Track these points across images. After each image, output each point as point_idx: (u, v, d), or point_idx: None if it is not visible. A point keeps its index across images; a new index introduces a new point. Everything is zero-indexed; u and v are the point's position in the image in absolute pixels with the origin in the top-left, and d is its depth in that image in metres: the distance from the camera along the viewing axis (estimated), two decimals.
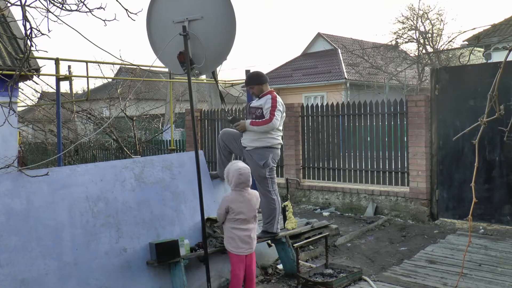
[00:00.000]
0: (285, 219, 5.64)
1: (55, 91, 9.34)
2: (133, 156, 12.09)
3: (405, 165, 7.97)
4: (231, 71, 69.42)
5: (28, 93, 49.54)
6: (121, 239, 4.34)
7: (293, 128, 9.27)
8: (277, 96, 5.10)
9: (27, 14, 3.23)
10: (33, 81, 9.89)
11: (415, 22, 22.26)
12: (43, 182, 4.09)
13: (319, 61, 25.62)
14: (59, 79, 8.97)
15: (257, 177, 5.05)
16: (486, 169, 7.01)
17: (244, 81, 6.43)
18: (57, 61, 8.77)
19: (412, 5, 30.64)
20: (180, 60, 4.55)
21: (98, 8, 3.46)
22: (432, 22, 22.01)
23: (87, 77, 9.85)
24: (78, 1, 3.44)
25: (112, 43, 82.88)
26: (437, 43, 22.24)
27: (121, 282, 4.23)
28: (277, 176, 9.02)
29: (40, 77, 12.52)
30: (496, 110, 2.24)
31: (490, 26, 13.90)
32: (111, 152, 15.09)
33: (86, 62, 9.70)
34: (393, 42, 22.87)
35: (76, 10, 3.43)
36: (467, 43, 16.94)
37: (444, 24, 32.35)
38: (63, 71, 14.34)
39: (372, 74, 23.98)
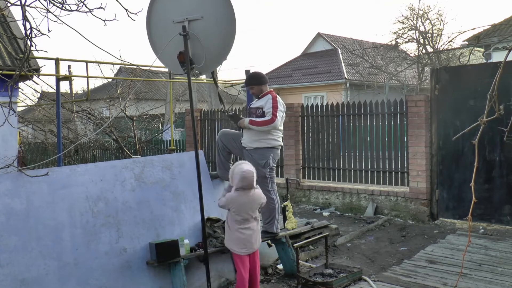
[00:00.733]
0: (285, 219, 5.64)
1: (55, 91, 9.33)
2: (133, 156, 12.09)
3: (405, 165, 7.97)
4: (231, 71, 69.45)
5: (28, 93, 49.61)
6: (121, 239, 4.34)
7: (293, 128, 9.27)
8: (277, 96, 5.11)
9: (27, 14, 3.23)
10: (33, 81, 9.89)
11: (415, 22, 22.26)
12: (43, 182, 4.09)
13: (319, 61, 25.62)
14: (59, 79, 8.96)
15: (257, 177, 5.05)
16: (486, 169, 7.01)
17: (244, 81, 6.43)
18: (57, 61, 8.77)
19: (412, 5, 30.68)
20: (180, 60, 4.55)
21: (98, 8, 3.46)
22: (432, 22, 22.03)
23: (87, 77, 9.84)
24: (78, 1, 3.44)
25: (112, 43, 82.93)
26: (437, 43, 22.25)
27: (121, 282, 4.23)
28: (277, 176, 9.03)
29: (40, 77, 12.51)
30: (496, 110, 2.24)
31: (490, 26, 13.90)
32: (111, 152, 15.09)
33: (86, 62, 9.69)
34: (393, 42, 22.88)
35: (76, 10, 3.43)
36: (467, 43, 16.94)
37: (444, 24, 32.37)
38: (63, 71, 14.35)
39: (372, 74, 23.98)
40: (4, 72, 6.32)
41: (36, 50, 3.50)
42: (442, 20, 25.64)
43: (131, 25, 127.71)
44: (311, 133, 9.29)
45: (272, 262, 5.48)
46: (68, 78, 9.78)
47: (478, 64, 9.21)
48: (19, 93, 10.28)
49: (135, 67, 11.43)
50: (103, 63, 13.31)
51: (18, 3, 3.30)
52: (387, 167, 8.26)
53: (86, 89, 12.02)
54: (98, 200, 4.33)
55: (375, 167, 8.43)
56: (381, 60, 23.57)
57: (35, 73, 8.31)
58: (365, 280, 4.95)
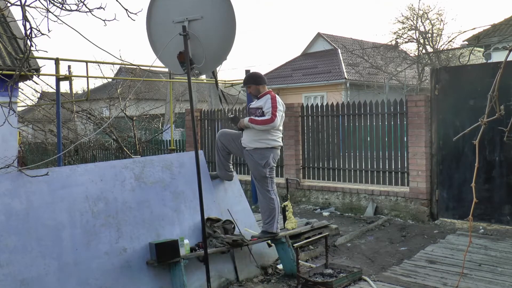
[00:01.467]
0: (285, 219, 5.64)
1: (55, 91, 9.34)
2: (133, 156, 12.09)
3: (405, 165, 7.97)
4: (231, 71, 69.49)
5: (28, 93, 49.48)
6: (121, 239, 4.34)
7: (293, 128, 9.27)
8: (276, 96, 5.11)
9: (27, 14, 3.23)
10: (33, 81, 9.90)
11: (415, 22, 22.24)
12: (43, 182, 4.09)
13: (319, 61, 25.62)
14: (59, 79, 8.97)
15: (257, 176, 5.06)
16: (486, 169, 7.01)
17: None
18: (57, 61, 8.77)
19: (412, 5, 30.66)
20: (180, 60, 4.55)
21: (98, 8, 3.46)
22: (432, 22, 22.00)
23: (87, 77, 9.85)
24: (78, 1, 3.43)
25: (112, 43, 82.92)
26: (437, 43, 22.22)
27: (121, 282, 4.23)
28: (277, 176, 9.04)
29: (40, 77, 12.53)
30: (496, 110, 2.24)
31: (490, 26, 13.90)
32: (111, 152, 15.09)
33: (86, 62, 9.70)
34: (393, 42, 22.85)
35: (76, 10, 3.43)
36: (467, 43, 16.94)
37: (444, 24, 32.30)
38: (63, 71, 14.37)
39: (372, 74, 23.98)
40: (4, 72, 6.31)
41: (36, 50, 3.50)
42: (442, 20, 25.66)
43: (131, 25, 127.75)
44: (311, 133, 9.28)
45: (272, 262, 5.48)
46: (68, 78, 9.78)
47: (478, 64, 9.21)
48: (19, 93, 10.29)
49: (135, 67, 11.44)
50: (103, 63, 13.32)
51: (18, 3, 3.30)
52: (387, 167, 8.26)
53: (86, 89, 12.02)
54: (98, 200, 4.33)
55: (375, 167, 8.43)
56: (381, 60, 23.56)
57: (35, 73, 8.31)
58: (365, 280, 4.95)
